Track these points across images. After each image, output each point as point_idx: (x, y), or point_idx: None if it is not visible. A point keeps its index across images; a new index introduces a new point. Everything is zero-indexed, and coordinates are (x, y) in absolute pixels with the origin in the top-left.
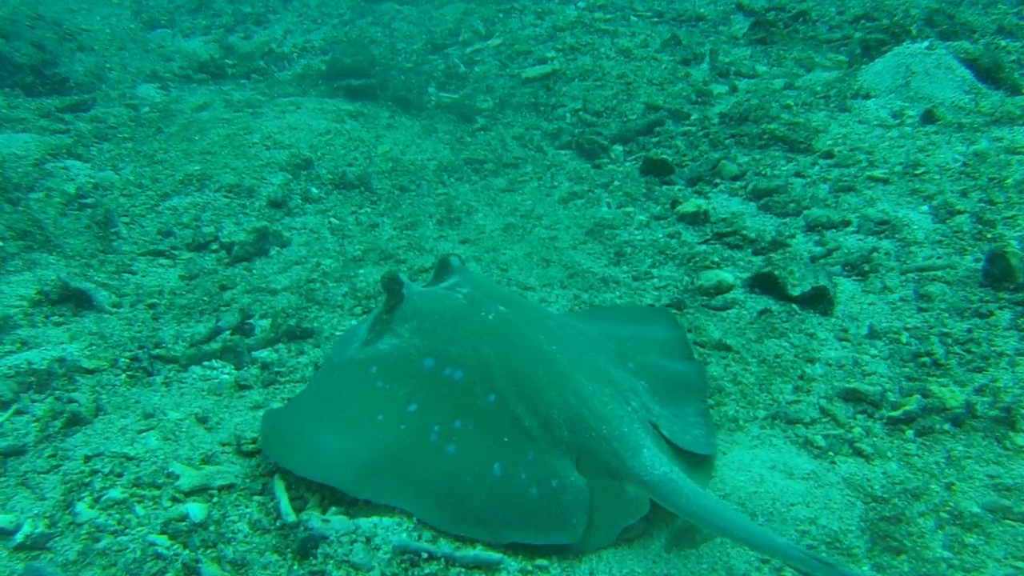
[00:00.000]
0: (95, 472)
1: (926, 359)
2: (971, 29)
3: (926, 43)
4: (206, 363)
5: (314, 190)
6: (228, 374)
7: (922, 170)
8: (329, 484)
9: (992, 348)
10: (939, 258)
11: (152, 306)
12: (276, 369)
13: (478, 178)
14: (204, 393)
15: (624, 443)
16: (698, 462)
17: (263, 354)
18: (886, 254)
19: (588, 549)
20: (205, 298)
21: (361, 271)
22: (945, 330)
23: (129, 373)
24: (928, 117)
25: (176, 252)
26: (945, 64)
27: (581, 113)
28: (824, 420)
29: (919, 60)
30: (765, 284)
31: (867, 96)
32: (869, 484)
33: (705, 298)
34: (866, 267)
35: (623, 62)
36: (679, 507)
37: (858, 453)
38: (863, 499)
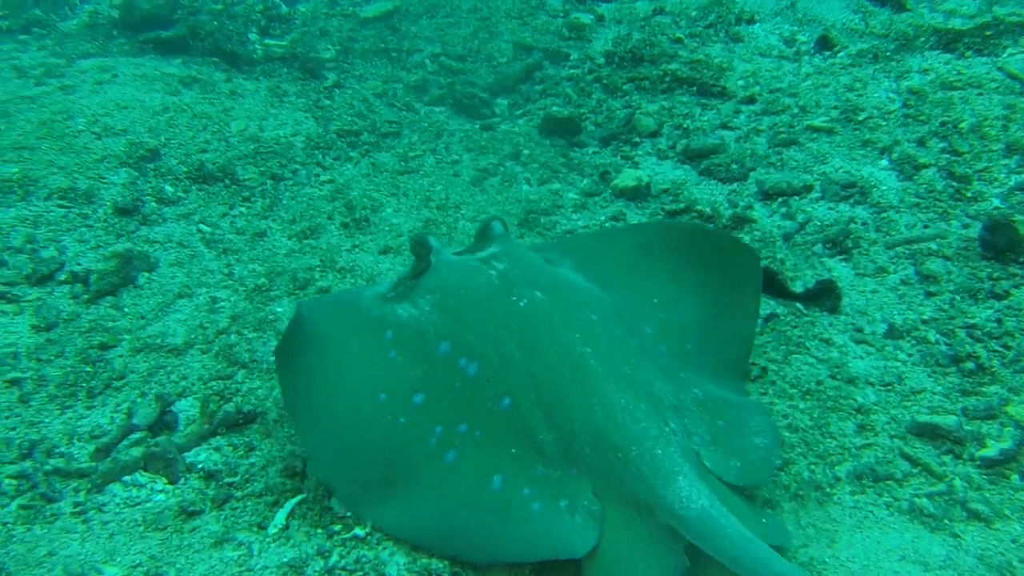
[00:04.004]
0: None
1: (969, 363)
2: None
3: None
4: (127, 478)
5: (168, 188)
6: (163, 492)
7: (864, 115)
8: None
9: None
10: (925, 227)
11: (15, 383)
12: (226, 479)
13: (358, 154)
14: (140, 528)
15: (656, 468)
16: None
17: (201, 457)
18: (864, 224)
19: None
20: (86, 367)
21: (279, 310)
22: (969, 321)
23: (22, 502)
24: (824, 43)
25: (16, 290)
26: None
27: (442, 58)
28: (917, 473)
29: None
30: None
31: (751, 20)
32: (1009, 565)
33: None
34: (848, 243)
35: None
36: (723, 552)
37: (975, 516)
38: None
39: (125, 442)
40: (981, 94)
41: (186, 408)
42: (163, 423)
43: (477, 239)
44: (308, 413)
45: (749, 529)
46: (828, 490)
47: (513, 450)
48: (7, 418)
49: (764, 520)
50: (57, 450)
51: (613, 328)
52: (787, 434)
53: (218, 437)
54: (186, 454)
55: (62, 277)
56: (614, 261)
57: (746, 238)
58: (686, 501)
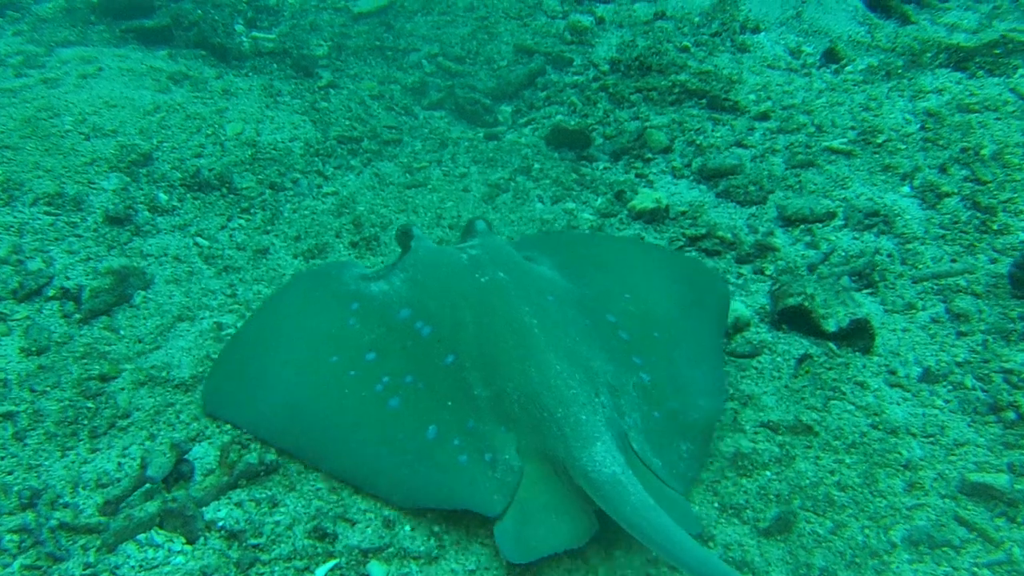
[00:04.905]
0: None
1: (1010, 413)
2: None
3: None
4: (142, 536)
5: (162, 196)
6: (182, 553)
7: (882, 138)
8: (256, 435)
9: None
10: (953, 260)
11: (8, 416)
12: (250, 540)
13: (360, 163)
14: None
15: (577, 431)
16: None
17: (221, 513)
18: (889, 256)
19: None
20: (87, 403)
21: None
22: (1005, 365)
23: (25, 562)
24: (831, 55)
25: (2, 307)
26: None
27: (440, 59)
28: (974, 539)
29: None
30: (793, 318)
31: (756, 30)
32: None
33: (723, 342)
34: (875, 276)
35: None
36: (624, 518)
37: None
38: None
39: (136, 494)
40: (999, 118)
41: (201, 455)
42: (178, 472)
43: (463, 236)
44: (253, 367)
45: (663, 508)
46: (885, 558)
47: (450, 402)
48: (2, 459)
49: (683, 509)
50: (61, 500)
51: (567, 309)
52: (838, 493)
53: (239, 490)
54: (204, 509)
55: (51, 292)
56: (593, 261)
57: (770, 268)
58: (599, 465)
